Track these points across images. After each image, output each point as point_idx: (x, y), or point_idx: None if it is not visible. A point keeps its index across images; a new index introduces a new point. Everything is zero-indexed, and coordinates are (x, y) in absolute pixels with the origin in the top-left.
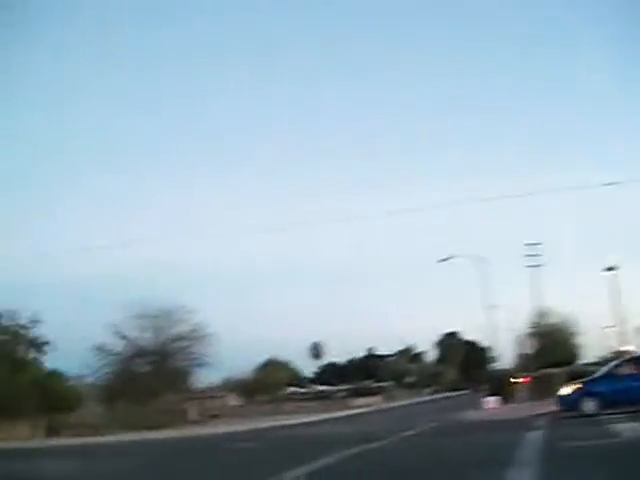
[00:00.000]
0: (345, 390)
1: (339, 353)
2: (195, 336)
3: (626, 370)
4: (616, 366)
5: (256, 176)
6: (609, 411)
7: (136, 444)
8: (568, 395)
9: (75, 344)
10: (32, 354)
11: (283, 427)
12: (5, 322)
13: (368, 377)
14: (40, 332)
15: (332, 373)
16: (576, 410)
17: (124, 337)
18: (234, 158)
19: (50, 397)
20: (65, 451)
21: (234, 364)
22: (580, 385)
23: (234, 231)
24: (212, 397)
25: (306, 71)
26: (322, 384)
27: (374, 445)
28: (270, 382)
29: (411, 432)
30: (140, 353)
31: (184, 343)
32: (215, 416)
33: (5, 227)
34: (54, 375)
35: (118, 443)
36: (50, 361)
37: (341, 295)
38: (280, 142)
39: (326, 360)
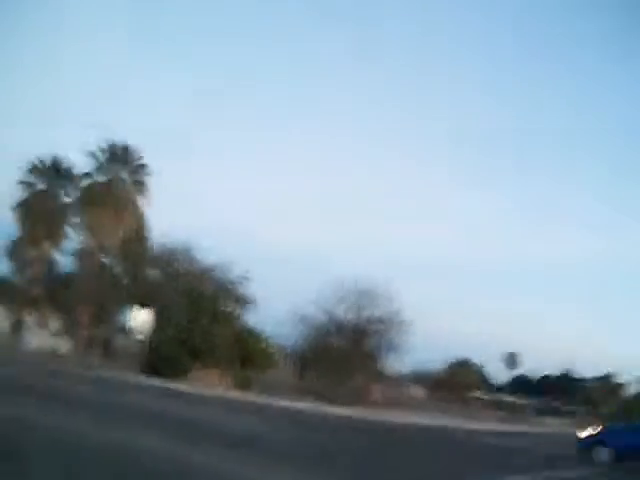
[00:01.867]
0: (533, 406)
1: (533, 367)
2: (393, 321)
3: None
4: None
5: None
6: None
7: (325, 416)
8: None
9: (277, 306)
10: (236, 309)
11: (472, 431)
12: (216, 274)
13: (559, 397)
14: (247, 290)
15: (522, 386)
16: None
17: (325, 309)
18: None
19: (246, 353)
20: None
21: (424, 356)
22: None
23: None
24: (398, 385)
25: None
26: (510, 394)
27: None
28: (460, 382)
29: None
30: (338, 327)
31: (382, 326)
32: (398, 404)
33: None
34: (253, 333)
35: (304, 411)
36: (251, 319)
37: (548, 307)
38: None
39: (518, 371)
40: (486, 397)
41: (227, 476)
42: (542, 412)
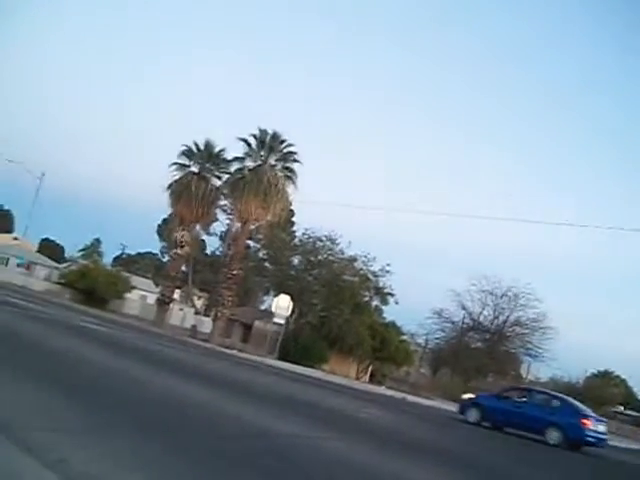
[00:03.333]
0: None
1: None
2: (535, 326)
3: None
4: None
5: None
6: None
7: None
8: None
9: (415, 302)
10: (375, 302)
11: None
12: (358, 265)
13: None
14: (387, 283)
15: None
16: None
17: (464, 308)
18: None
19: (382, 346)
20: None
21: (565, 364)
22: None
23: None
24: None
25: None
26: None
27: None
28: (602, 395)
29: None
30: (476, 328)
31: (523, 330)
32: None
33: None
34: (391, 327)
35: (438, 409)
36: (389, 313)
37: None
38: None
39: None
40: (632, 413)
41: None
42: None
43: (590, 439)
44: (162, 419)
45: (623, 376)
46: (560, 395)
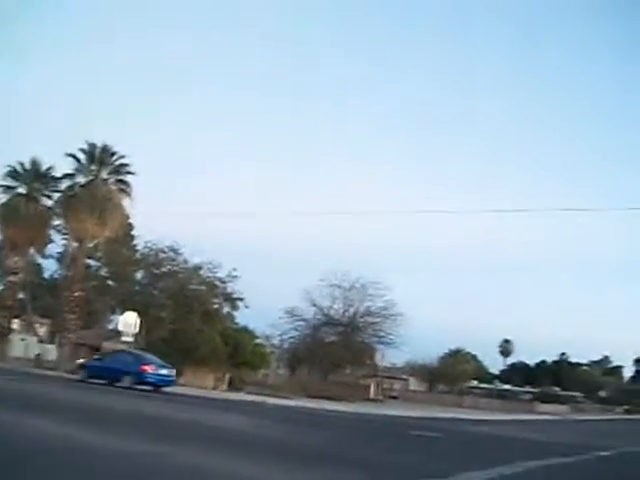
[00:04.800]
0: (530, 393)
1: (529, 354)
2: (385, 314)
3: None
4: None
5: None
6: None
7: (322, 413)
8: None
9: (267, 304)
10: (225, 308)
11: (464, 421)
12: (204, 273)
13: (556, 384)
14: (236, 288)
15: (518, 373)
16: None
17: (315, 304)
18: None
19: (237, 352)
20: (255, 409)
21: (419, 348)
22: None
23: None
24: (393, 378)
25: None
26: (506, 383)
27: (568, 460)
28: (455, 372)
29: (607, 453)
30: (329, 322)
31: (374, 319)
32: (394, 397)
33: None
34: (244, 332)
35: (301, 409)
36: (241, 318)
37: (539, 293)
38: None
39: (514, 359)
40: (484, 386)
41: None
42: (540, 399)
43: (150, 380)
44: None
45: (473, 352)
46: (134, 351)
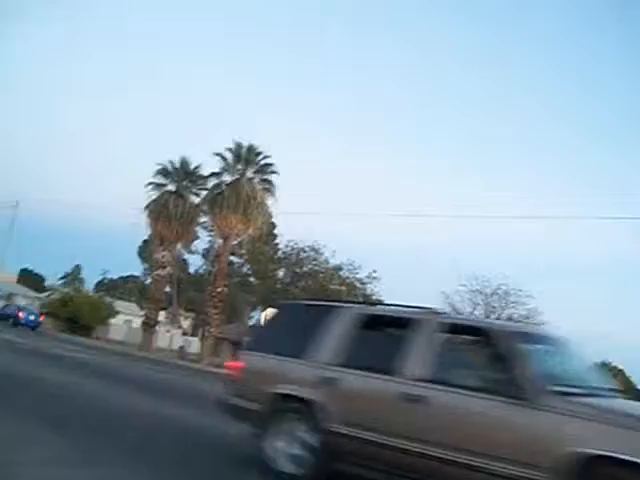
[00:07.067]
0: None
1: None
2: (527, 323)
3: None
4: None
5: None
6: None
7: None
8: None
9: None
10: None
11: None
12: (345, 274)
13: None
14: (376, 289)
15: None
16: None
17: (455, 309)
18: None
19: None
20: None
21: None
22: None
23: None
24: None
25: None
26: None
27: None
28: None
29: None
30: None
31: None
32: None
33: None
34: None
35: None
36: None
37: None
38: None
39: None
40: None
41: None
42: None
43: (22, 322)
44: None
45: (620, 366)
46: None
